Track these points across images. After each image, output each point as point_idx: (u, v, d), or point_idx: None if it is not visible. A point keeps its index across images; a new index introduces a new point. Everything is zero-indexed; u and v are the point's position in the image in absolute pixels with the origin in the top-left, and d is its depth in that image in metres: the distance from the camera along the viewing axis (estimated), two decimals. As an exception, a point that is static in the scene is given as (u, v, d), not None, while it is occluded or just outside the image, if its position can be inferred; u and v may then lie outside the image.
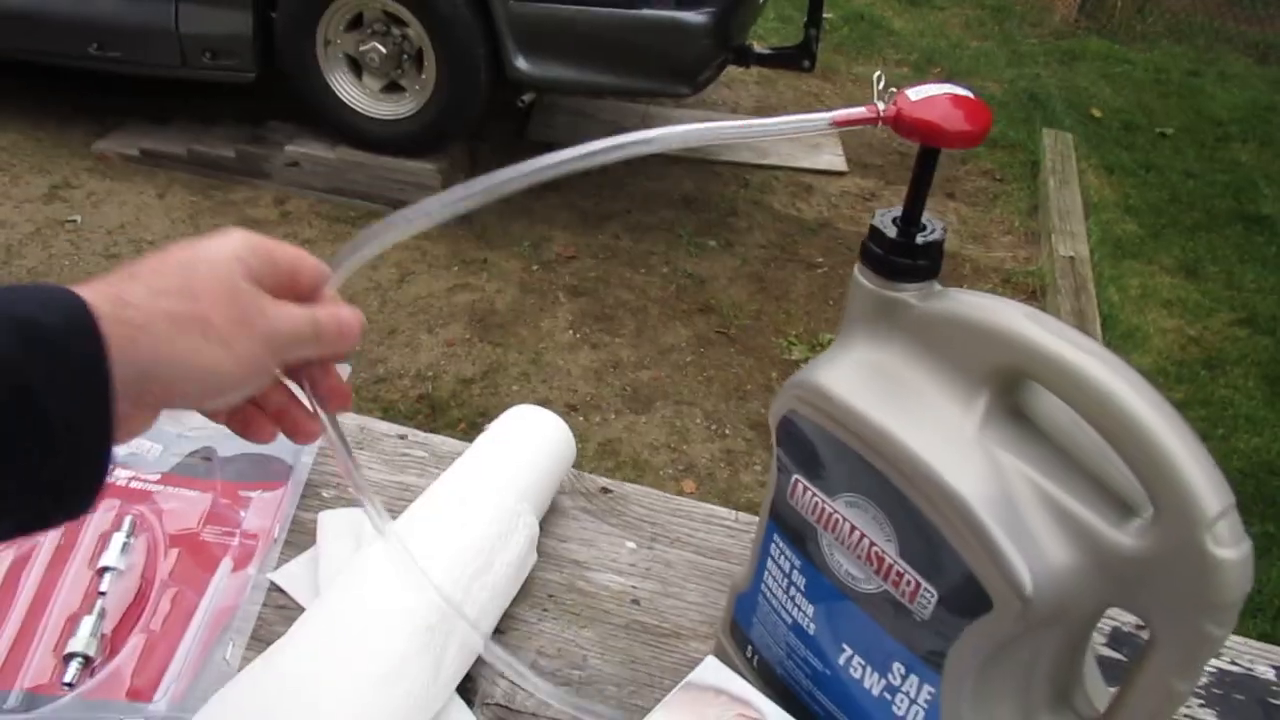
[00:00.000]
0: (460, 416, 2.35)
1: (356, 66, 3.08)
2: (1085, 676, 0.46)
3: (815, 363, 0.47)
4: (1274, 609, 2.15)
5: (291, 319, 0.43)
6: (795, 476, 0.48)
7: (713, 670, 0.51)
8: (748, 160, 3.49)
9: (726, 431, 2.42)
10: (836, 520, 0.46)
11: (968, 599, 0.42)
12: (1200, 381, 2.83)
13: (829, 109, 0.44)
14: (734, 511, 0.68)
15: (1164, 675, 0.40)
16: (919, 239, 0.45)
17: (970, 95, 0.43)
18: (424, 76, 3.00)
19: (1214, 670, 0.62)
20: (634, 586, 0.62)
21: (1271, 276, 3.33)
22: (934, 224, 0.46)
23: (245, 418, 0.44)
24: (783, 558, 0.50)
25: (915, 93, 0.43)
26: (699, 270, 2.96)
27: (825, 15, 3.12)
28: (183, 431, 0.66)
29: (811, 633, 0.50)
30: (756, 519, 0.66)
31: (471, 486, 0.59)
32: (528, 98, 3.47)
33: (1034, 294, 3.08)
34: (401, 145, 3.09)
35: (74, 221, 2.97)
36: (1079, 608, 0.41)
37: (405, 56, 3.02)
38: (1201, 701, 0.60)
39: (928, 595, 0.43)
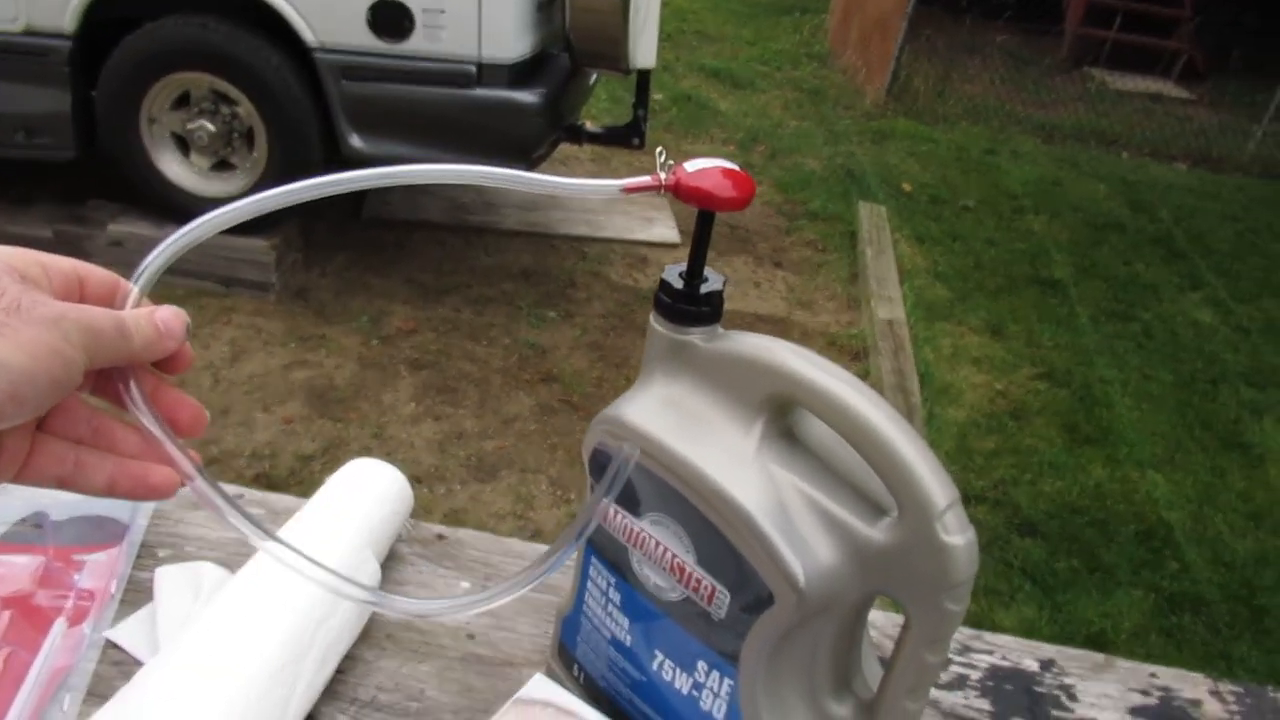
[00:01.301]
0: (301, 494, 2.31)
1: (184, 144, 3.03)
2: (863, 662, 0.53)
3: (620, 400, 0.53)
4: (1082, 637, 2.34)
5: (83, 309, 0.38)
6: (606, 503, 0.54)
7: (540, 685, 0.56)
8: (584, 234, 3.60)
9: (571, 496, 2.46)
10: (644, 538, 0.52)
11: (753, 597, 0.48)
12: (1008, 431, 3.06)
13: (621, 178, 0.51)
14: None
15: (918, 650, 0.47)
16: (701, 289, 0.52)
17: (736, 168, 0.51)
18: (255, 154, 2.99)
19: (988, 666, 0.70)
20: (468, 622, 0.66)
21: (1065, 334, 3.65)
22: (714, 276, 0.53)
23: (77, 462, 0.40)
24: (600, 578, 0.56)
25: (692, 165, 0.50)
26: (540, 340, 3.02)
27: (654, 96, 3.29)
28: (9, 502, 0.66)
29: (628, 644, 0.55)
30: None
31: (314, 535, 0.62)
32: (364, 175, 3.48)
33: (857, 355, 3.28)
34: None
35: None
36: (846, 597, 0.48)
37: (235, 134, 3.00)
38: (977, 693, 0.68)
39: (722, 597, 0.49)
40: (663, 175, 0.50)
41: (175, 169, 3.03)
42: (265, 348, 2.81)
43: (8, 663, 0.56)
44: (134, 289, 0.44)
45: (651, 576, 0.52)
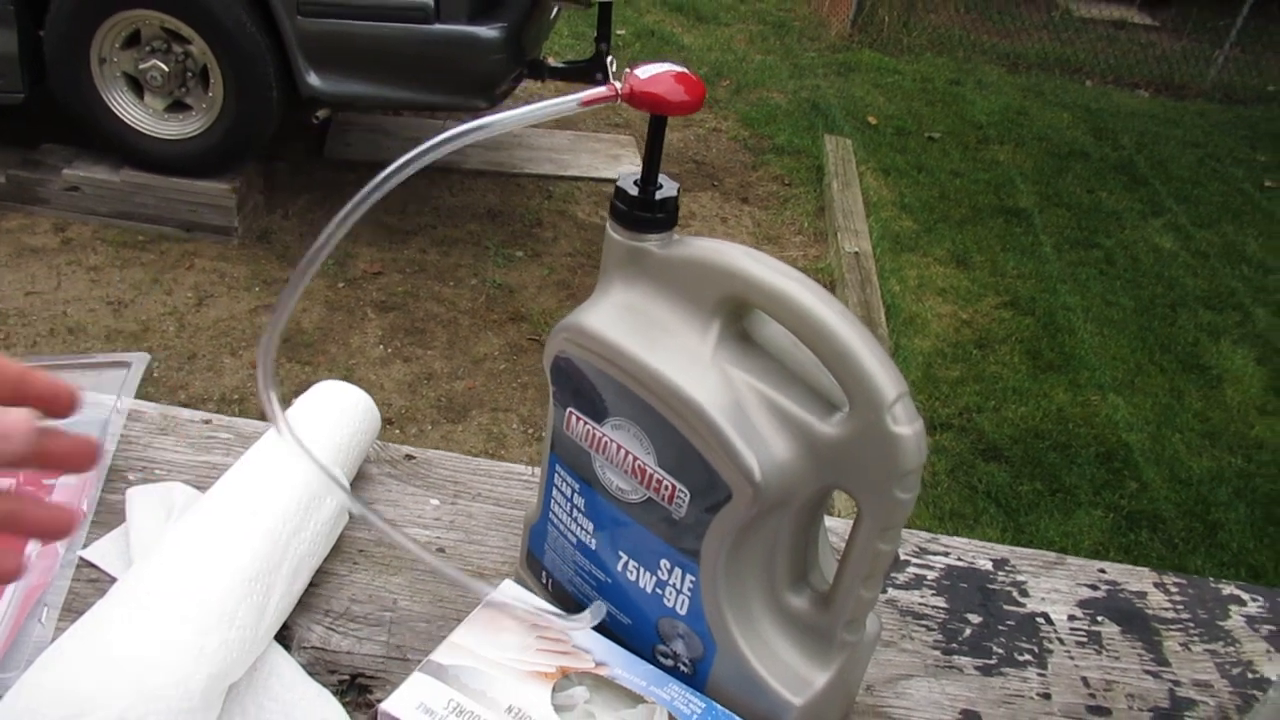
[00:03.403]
0: (270, 437, 2.31)
1: (137, 85, 2.97)
2: (820, 556, 0.55)
3: (579, 308, 0.54)
4: (1042, 555, 2.40)
5: None
6: (569, 409, 0.55)
7: (509, 589, 0.58)
8: (550, 172, 3.57)
9: (544, 435, 2.48)
10: (605, 442, 0.53)
11: (712, 493, 0.49)
12: (973, 360, 3.11)
13: (578, 93, 0.52)
14: (530, 466, 0.74)
15: (870, 539, 0.49)
16: (656, 195, 0.53)
17: (687, 71, 0.51)
18: (210, 95, 2.93)
19: (943, 566, 0.73)
20: (439, 537, 0.67)
21: (1029, 263, 3.69)
22: (668, 183, 0.53)
23: None
24: (565, 485, 0.57)
25: (643, 71, 0.51)
26: (508, 280, 3.01)
27: (617, 32, 3.25)
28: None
29: (593, 548, 0.57)
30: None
31: (283, 454, 0.63)
32: (322, 114, 3.43)
33: (825, 288, 3.30)
34: (191, 165, 2.99)
35: None
36: (802, 491, 0.50)
37: (189, 74, 2.94)
38: (934, 591, 0.70)
39: (682, 496, 0.51)
40: (617, 85, 0.50)
41: (129, 110, 2.97)
42: (230, 292, 2.79)
43: (-19, 582, 0.57)
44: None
45: (614, 480, 0.54)
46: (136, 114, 2.98)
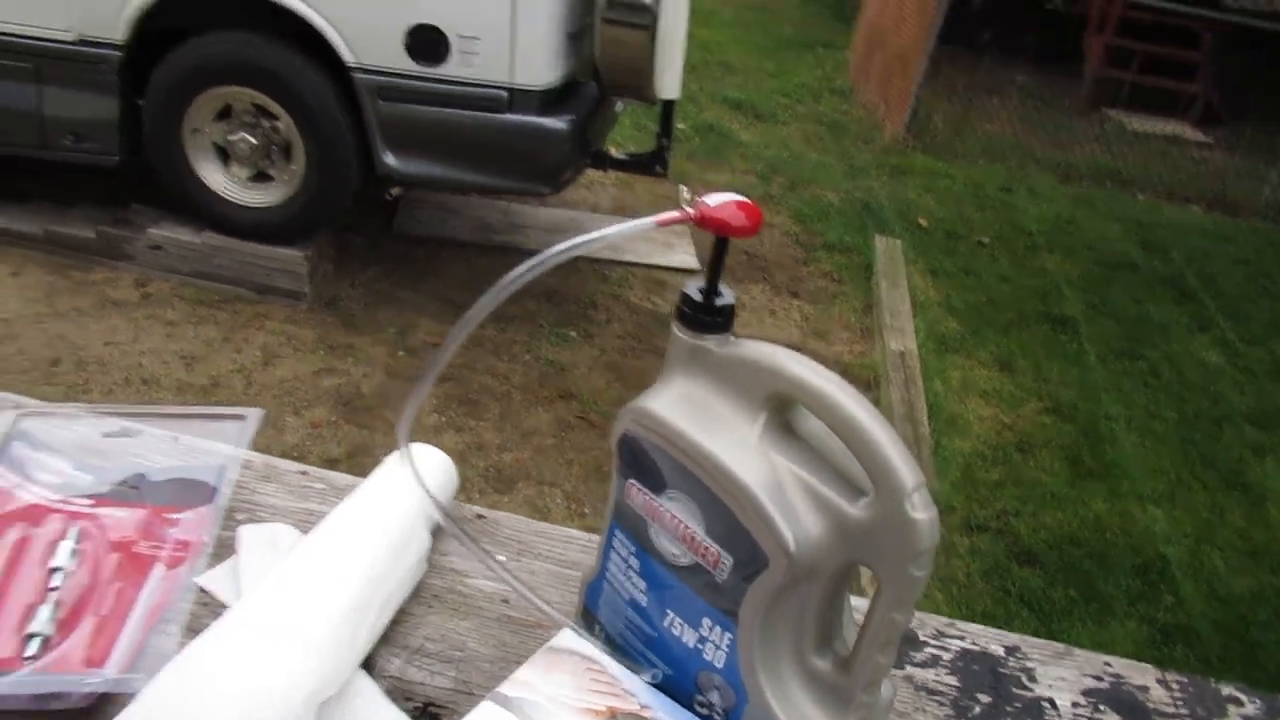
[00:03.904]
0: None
1: (224, 154, 3.16)
2: (844, 625, 0.62)
3: (644, 395, 0.63)
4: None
5: None
6: (630, 480, 0.63)
7: (568, 637, 0.65)
8: (606, 257, 3.71)
9: (586, 510, 2.55)
10: (661, 512, 0.61)
11: (752, 562, 0.57)
12: (1013, 464, 3.14)
13: (653, 214, 0.61)
14: (587, 533, 0.82)
15: (887, 610, 0.56)
16: (717, 303, 0.61)
17: (748, 200, 0.60)
18: (293, 167, 3.11)
19: (959, 649, 0.79)
20: (504, 589, 0.75)
21: (1073, 370, 3.73)
22: (727, 292, 0.62)
23: None
24: (622, 547, 0.65)
25: (712, 199, 0.60)
26: (560, 359, 3.12)
27: (677, 126, 3.40)
28: (112, 465, 0.76)
29: (644, 605, 0.64)
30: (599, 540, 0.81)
31: (375, 507, 0.72)
32: (395, 192, 3.61)
33: (868, 385, 3.36)
34: (268, 232, 3.17)
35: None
36: (830, 564, 0.57)
37: (274, 148, 3.13)
38: (948, 671, 0.76)
39: (725, 562, 0.58)
40: (689, 210, 0.60)
41: (215, 178, 3.16)
42: (296, 354, 2.92)
43: (118, 597, 0.66)
44: None
45: (666, 545, 0.62)
46: (221, 181, 3.17)
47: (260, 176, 3.17)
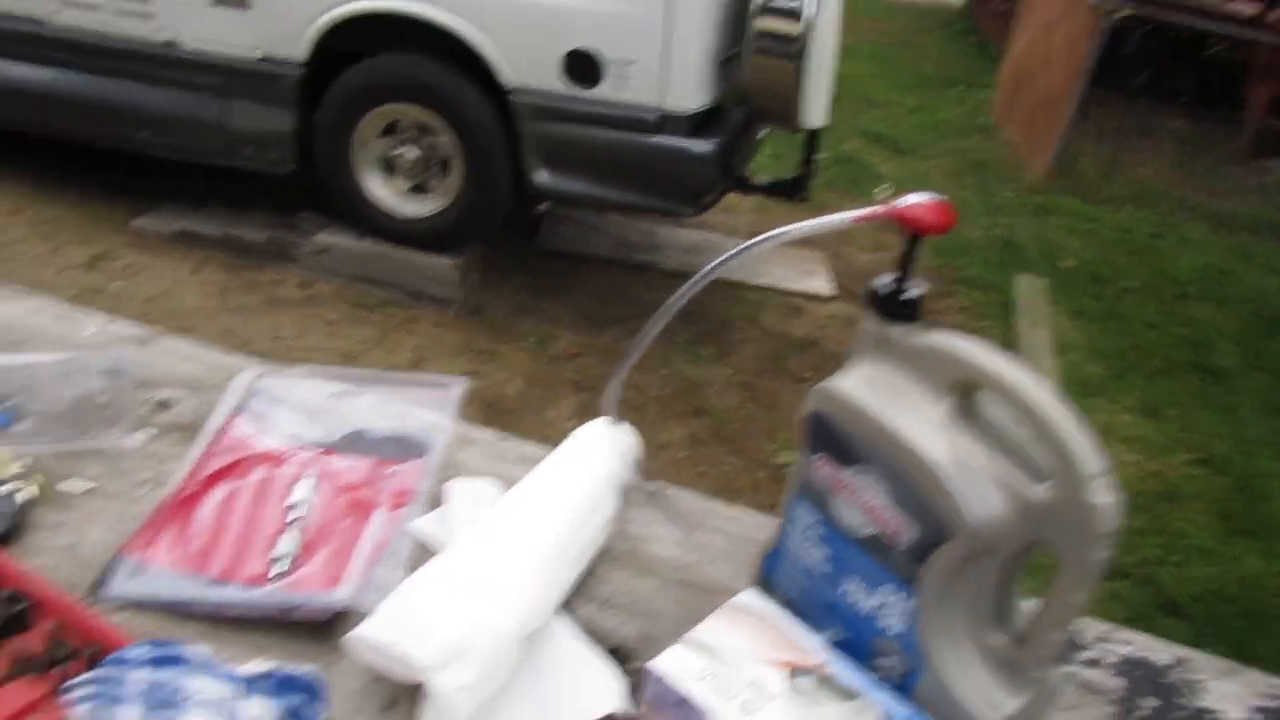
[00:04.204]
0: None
1: (387, 167, 3.35)
2: (1015, 601, 0.65)
3: (833, 377, 0.67)
4: None
5: None
6: (817, 456, 0.68)
7: (748, 597, 0.70)
8: (743, 280, 3.75)
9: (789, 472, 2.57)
10: (846, 485, 0.66)
11: (934, 534, 0.61)
12: (1158, 512, 3.03)
13: (852, 210, 0.66)
14: (755, 513, 0.87)
15: (1066, 590, 0.59)
16: (906, 295, 0.66)
17: (943, 200, 0.65)
18: (449, 180, 3.27)
19: (1123, 654, 0.80)
20: (680, 556, 0.81)
21: (1226, 423, 3.58)
22: (917, 286, 0.67)
23: None
24: (804, 518, 0.69)
25: (907, 199, 0.65)
26: (694, 375, 3.18)
27: (818, 155, 3.44)
28: (338, 419, 0.85)
29: (822, 572, 0.68)
30: (769, 519, 0.85)
31: (568, 472, 0.78)
32: (543, 207, 3.75)
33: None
34: (423, 241, 3.34)
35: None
36: (1009, 542, 0.60)
37: (433, 163, 3.30)
38: (1112, 672, 0.78)
39: (908, 533, 0.62)
40: (886, 206, 0.65)
41: (378, 189, 3.34)
42: (443, 357, 3.06)
43: (347, 533, 0.74)
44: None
45: (850, 516, 0.66)
46: (383, 193, 3.35)
47: (419, 189, 3.34)
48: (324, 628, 0.69)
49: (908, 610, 0.64)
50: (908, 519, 0.63)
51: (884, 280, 0.67)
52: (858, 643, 0.67)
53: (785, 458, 2.82)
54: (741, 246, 0.70)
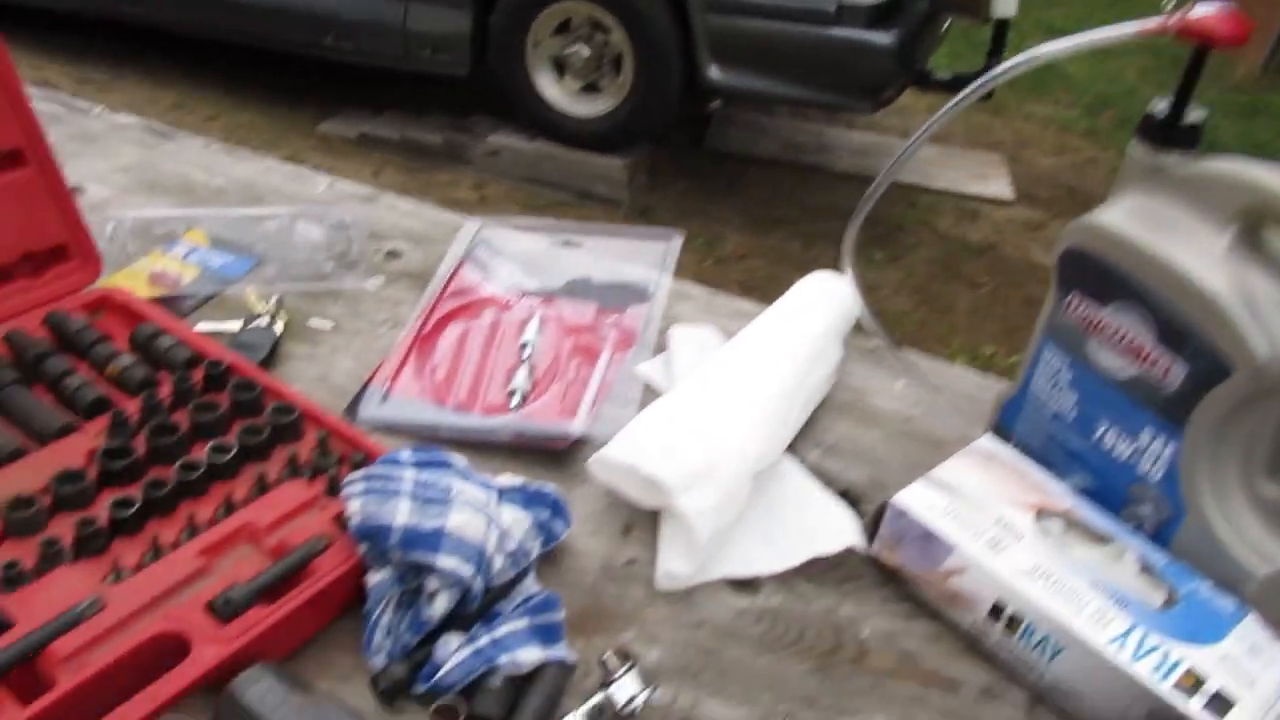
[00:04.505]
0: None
1: (559, 67, 3.35)
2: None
3: (1094, 211, 0.63)
4: None
5: None
6: (1072, 295, 0.64)
7: (989, 441, 0.68)
8: (916, 183, 3.61)
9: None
10: (1104, 324, 0.62)
11: (1210, 371, 0.57)
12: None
13: (1132, 20, 0.61)
14: (979, 373, 0.84)
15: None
16: (1185, 120, 0.61)
17: (1238, 11, 0.59)
18: (620, 80, 3.25)
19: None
20: (905, 409, 0.79)
21: None
22: (1198, 111, 0.61)
23: None
24: (1052, 362, 0.66)
25: (1197, 9, 0.59)
26: (866, 278, 3.08)
27: (1004, 51, 3.24)
28: (562, 267, 0.87)
29: (1072, 419, 0.66)
30: (994, 379, 0.83)
31: (793, 319, 0.77)
32: (714, 105, 3.69)
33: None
34: (592, 142, 3.34)
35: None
36: (1297, 382, 0.56)
37: (605, 60, 3.28)
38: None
39: (1178, 372, 0.58)
40: (1172, 18, 0.59)
41: (550, 89, 3.35)
42: (613, 256, 3.08)
43: (578, 369, 0.75)
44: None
45: (1106, 357, 0.63)
46: (555, 93, 3.36)
47: (590, 89, 3.33)
48: (559, 458, 0.71)
49: (1170, 455, 0.60)
50: (1177, 358, 0.59)
51: (1159, 104, 0.62)
52: (1108, 490, 0.64)
53: (960, 363, 2.73)
54: (988, 75, 0.66)
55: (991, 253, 3.34)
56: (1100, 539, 0.61)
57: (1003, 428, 0.72)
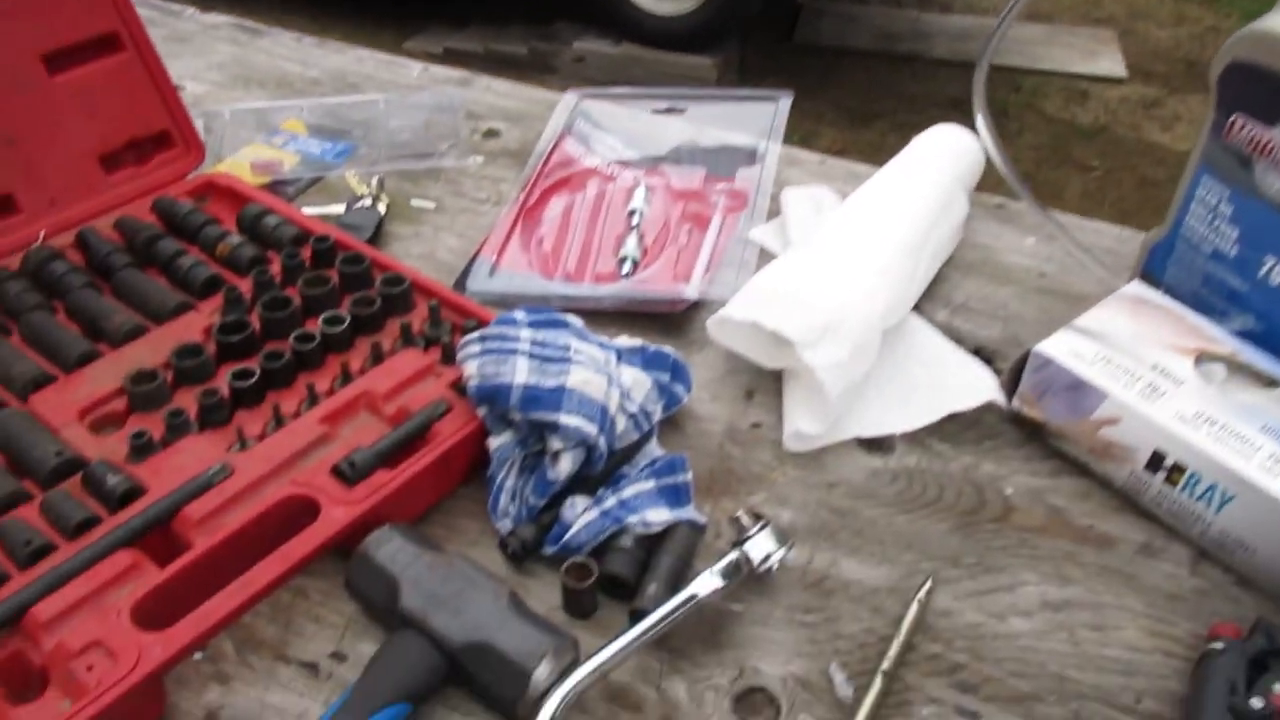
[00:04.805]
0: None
1: (643, -35, 3.25)
2: None
3: (1259, 20, 0.57)
4: None
5: None
6: (1234, 116, 0.58)
7: (1138, 289, 0.63)
8: (1020, 65, 3.43)
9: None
10: (1274, 145, 0.56)
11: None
12: None
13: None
14: (1115, 225, 0.79)
15: None
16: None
17: None
18: (707, -22, 3.14)
19: None
20: (1039, 265, 0.74)
21: None
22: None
23: None
24: (1209, 196, 0.61)
25: None
26: (967, 168, 2.97)
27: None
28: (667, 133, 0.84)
29: (1233, 256, 0.60)
30: (1134, 232, 0.77)
31: (917, 172, 0.72)
32: (802, -2, 3.55)
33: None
34: (679, 41, 3.25)
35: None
36: None
37: (690, -44, 3.16)
38: None
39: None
40: None
41: (633, -11, 3.26)
42: (704, 158, 3.01)
43: (689, 235, 0.72)
44: None
45: (1276, 182, 0.57)
46: (638, -8, 3.27)
47: (673, -15, 3.23)
48: (673, 325, 0.68)
49: (1353, 285, 0.55)
50: (1364, 174, 0.53)
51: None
52: (1275, 332, 0.59)
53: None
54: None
55: (1103, 134, 3.16)
56: (1269, 382, 0.56)
57: (1150, 275, 0.66)
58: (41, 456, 0.53)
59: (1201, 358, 0.57)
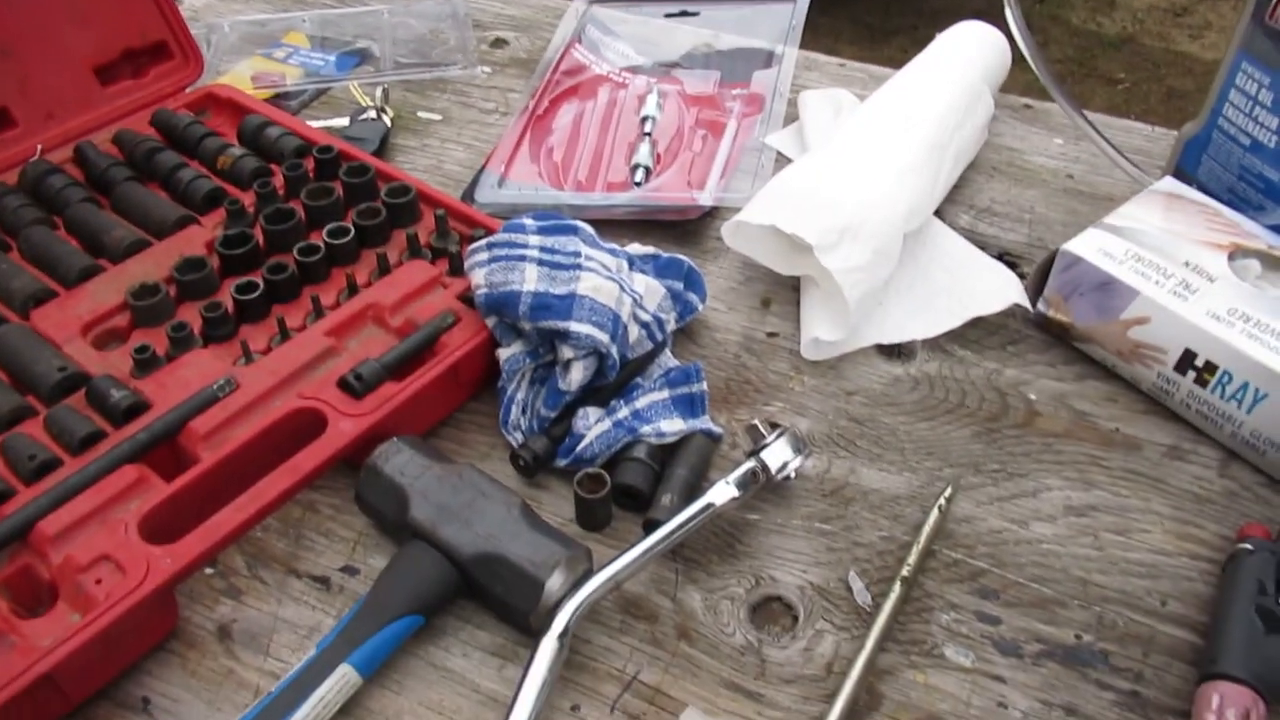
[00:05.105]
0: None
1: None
2: None
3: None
4: None
5: None
6: (1274, -4, 0.55)
7: (1170, 183, 0.60)
8: (1045, -26, 3.32)
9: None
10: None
11: None
12: None
13: None
14: (1145, 124, 0.76)
15: None
16: None
17: None
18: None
19: None
20: (1066, 166, 0.71)
21: None
22: None
23: None
24: (1250, 83, 0.58)
25: None
26: (990, 82, 2.89)
27: None
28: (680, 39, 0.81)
29: (1273, 146, 0.57)
30: (1166, 130, 0.74)
31: (941, 69, 0.69)
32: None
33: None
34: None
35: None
36: None
37: None
38: None
39: None
40: None
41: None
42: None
43: (704, 141, 0.70)
44: None
45: (1321, 68, 0.54)
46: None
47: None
48: (688, 234, 0.67)
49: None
50: None
51: None
52: (1318, 226, 0.56)
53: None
54: None
55: (1130, 45, 3.07)
56: (1307, 279, 0.54)
57: (1183, 172, 0.64)
58: (44, 372, 0.52)
59: (1236, 253, 0.55)
